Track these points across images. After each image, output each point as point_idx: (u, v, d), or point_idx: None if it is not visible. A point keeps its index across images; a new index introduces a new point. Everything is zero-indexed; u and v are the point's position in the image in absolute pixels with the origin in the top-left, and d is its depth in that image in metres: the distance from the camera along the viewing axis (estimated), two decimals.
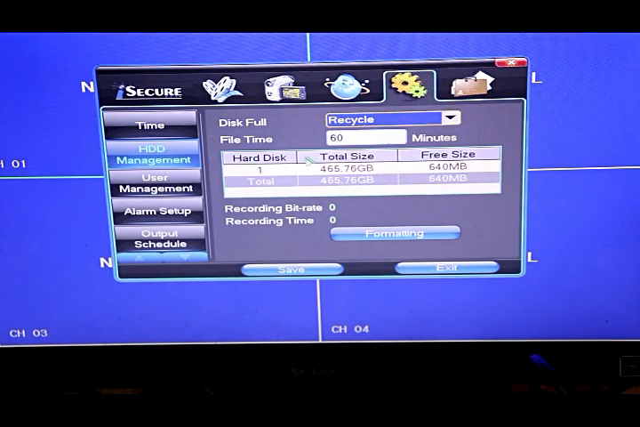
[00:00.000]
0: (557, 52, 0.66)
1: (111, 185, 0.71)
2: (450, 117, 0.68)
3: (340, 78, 0.68)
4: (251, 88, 0.68)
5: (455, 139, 0.69)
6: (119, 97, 0.69)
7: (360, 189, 0.70)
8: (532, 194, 0.70)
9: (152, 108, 0.69)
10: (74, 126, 0.70)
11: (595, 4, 0.64)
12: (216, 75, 0.68)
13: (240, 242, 0.72)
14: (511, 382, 0.77)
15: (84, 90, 0.69)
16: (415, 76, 0.68)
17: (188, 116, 0.69)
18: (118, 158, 0.71)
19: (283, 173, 0.70)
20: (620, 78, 0.67)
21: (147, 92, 0.69)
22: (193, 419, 0.76)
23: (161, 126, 0.70)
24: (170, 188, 0.71)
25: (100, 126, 0.70)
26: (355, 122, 0.69)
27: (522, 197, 0.70)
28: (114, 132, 0.70)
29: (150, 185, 0.71)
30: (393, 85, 0.68)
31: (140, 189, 0.71)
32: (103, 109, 0.69)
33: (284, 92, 0.68)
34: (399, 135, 0.69)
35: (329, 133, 0.69)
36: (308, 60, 0.68)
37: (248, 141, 0.70)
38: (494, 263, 0.72)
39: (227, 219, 0.72)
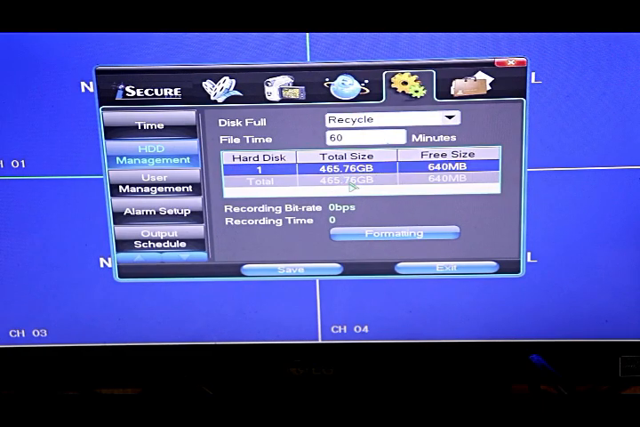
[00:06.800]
0: (557, 52, 0.66)
1: (111, 185, 0.71)
2: (449, 117, 0.68)
3: (340, 78, 0.68)
4: (250, 88, 0.68)
5: (455, 139, 0.69)
6: (119, 97, 0.69)
7: (360, 189, 0.70)
8: (532, 194, 0.70)
9: (152, 108, 0.69)
10: (73, 126, 0.70)
11: (595, 3, 0.64)
12: (216, 75, 0.68)
13: (239, 242, 0.72)
14: (511, 382, 0.77)
15: (83, 90, 0.69)
16: (415, 76, 0.68)
17: (187, 116, 0.69)
18: (118, 158, 0.71)
19: (282, 173, 0.70)
20: (619, 78, 0.67)
21: (146, 92, 0.69)
22: (193, 419, 0.76)
23: (160, 126, 0.70)
24: (169, 188, 0.71)
25: (99, 126, 0.70)
26: (354, 122, 0.69)
27: (521, 197, 0.70)
28: (113, 132, 0.70)
29: (150, 185, 0.71)
30: (392, 85, 0.68)
31: (140, 189, 0.71)
32: (103, 109, 0.69)
33: (284, 92, 0.68)
34: (399, 135, 0.69)
35: (328, 133, 0.69)
36: (308, 60, 0.68)
37: (248, 141, 0.70)
38: (494, 263, 0.72)
39: (226, 219, 0.72)
